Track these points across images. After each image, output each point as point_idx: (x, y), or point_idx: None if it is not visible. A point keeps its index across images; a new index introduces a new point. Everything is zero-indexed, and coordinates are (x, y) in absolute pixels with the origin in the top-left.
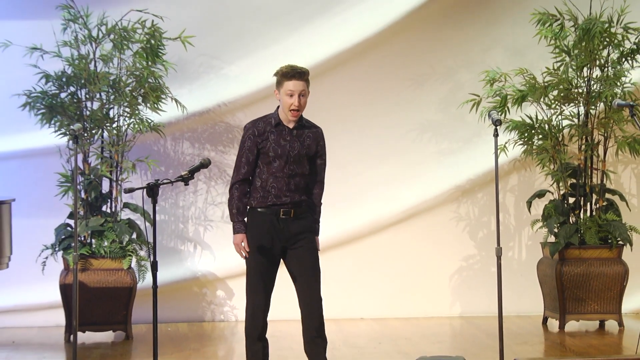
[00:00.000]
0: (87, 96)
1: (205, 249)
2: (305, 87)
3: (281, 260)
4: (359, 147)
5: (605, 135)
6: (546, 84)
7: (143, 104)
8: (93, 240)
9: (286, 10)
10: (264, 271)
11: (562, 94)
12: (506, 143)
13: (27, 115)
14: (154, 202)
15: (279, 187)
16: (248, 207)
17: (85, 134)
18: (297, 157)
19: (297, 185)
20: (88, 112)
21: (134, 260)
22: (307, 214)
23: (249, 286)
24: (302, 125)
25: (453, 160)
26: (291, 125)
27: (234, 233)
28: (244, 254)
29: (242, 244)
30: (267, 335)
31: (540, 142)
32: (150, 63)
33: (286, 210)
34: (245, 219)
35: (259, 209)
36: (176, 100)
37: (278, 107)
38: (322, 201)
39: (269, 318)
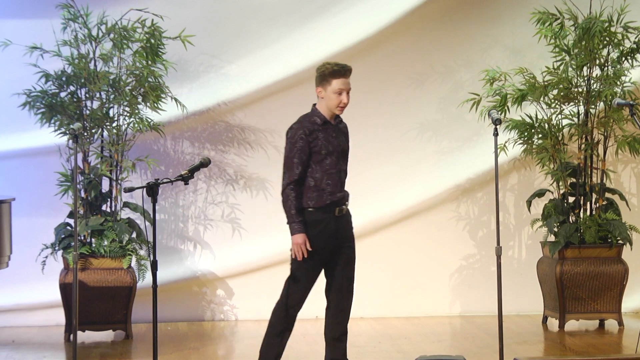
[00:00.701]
0: (87, 95)
1: (205, 248)
2: (350, 83)
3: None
4: (359, 147)
5: (605, 134)
6: (546, 83)
7: (143, 103)
8: (93, 240)
9: (286, 9)
10: (311, 273)
11: (562, 93)
12: (506, 142)
13: (27, 114)
14: (154, 202)
15: (334, 183)
16: (305, 208)
17: (85, 133)
18: (343, 152)
19: (343, 181)
20: (88, 112)
21: (133, 259)
22: (349, 214)
23: (291, 283)
24: (340, 121)
25: (453, 160)
26: (333, 122)
27: (295, 233)
28: (302, 255)
29: (305, 245)
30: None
31: (540, 141)
32: (150, 62)
33: (340, 207)
34: (303, 219)
35: (314, 210)
36: (176, 100)
37: (314, 105)
38: None
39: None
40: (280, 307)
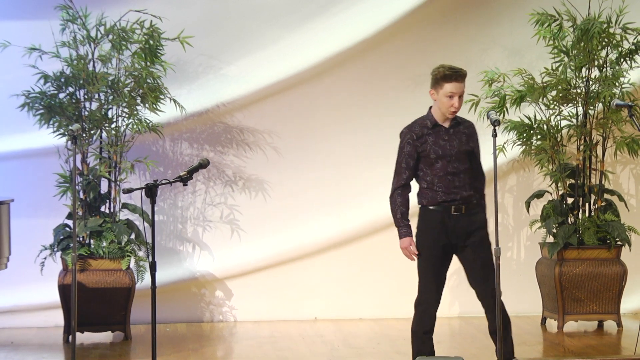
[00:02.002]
0: (86, 96)
1: (204, 249)
2: (463, 87)
3: (454, 256)
4: (358, 147)
5: (604, 135)
6: (545, 84)
7: (142, 104)
8: (92, 241)
9: (285, 10)
10: (436, 268)
11: (560, 95)
12: (505, 143)
13: (25, 115)
14: (153, 203)
15: (446, 185)
16: (419, 206)
17: (84, 135)
18: (457, 154)
19: (462, 182)
20: (87, 113)
21: (132, 260)
22: (477, 209)
23: (421, 283)
24: (457, 123)
25: None
26: (447, 125)
27: (400, 237)
28: (413, 257)
29: (411, 247)
30: (266, 335)
31: (538, 142)
32: (148, 63)
33: (457, 206)
34: (409, 223)
35: (430, 207)
36: (175, 101)
37: (430, 107)
38: (483, 194)
39: (268, 319)
40: (416, 311)
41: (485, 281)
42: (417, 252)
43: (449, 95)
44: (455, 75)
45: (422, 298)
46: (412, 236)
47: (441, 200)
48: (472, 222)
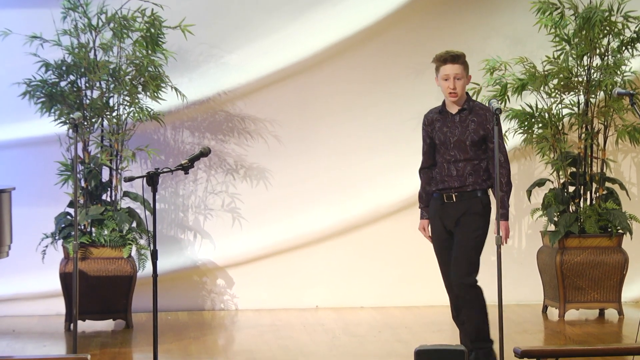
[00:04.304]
0: (87, 85)
1: (205, 237)
2: (461, 70)
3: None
4: (359, 136)
5: (605, 123)
6: (546, 72)
7: (143, 92)
8: (93, 229)
9: None
10: (442, 256)
11: (562, 83)
12: (506, 132)
13: (27, 103)
14: (154, 191)
15: (442, 173)
16: None
17: (85, 123)
18: (457, 142)
19: (460, 171)
20: (88, 101)
21: (134, 249)
22: (475, 199)
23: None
24: (466, 110)
25: None
26: (454, 111)
27: (420, 219)
28: (429, 239)
29: (423, 231)
30: (267, 324)
31: (540, 130)
32: (150, 52)
33: (448, 195)
34: (426, 206)
35: (434, 194)
36: (176, 89)
37: None
38: (506, 184)
39: (270, 307)
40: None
41: (455, 261)
42: (429, 236)
43: (445, 78)
44: (450, 57)
45: (444, 284)
46: (427, 219)
47: (438, 188)
48: (462, 209)
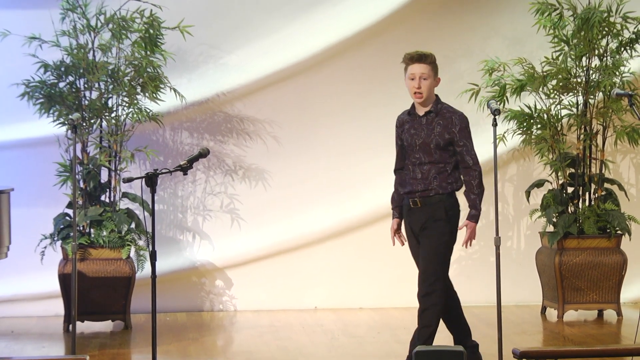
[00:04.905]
0: (86, 86)
1: (204, 238)
2: (428, 70)
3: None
4: (358, 137)
5: (604, 124)
6: (545, 73)
7: (142, 93)
8: (92, 230)
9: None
10: (413, 254)
11: (560, 84)
12: (505, 133)
13: (25, 104)
14: (153, 192)
15: (409, 175)
16: None
17: (84, 124)
18: (422, 145)
19: (424, 174)
20: (87, 102)
21: (132, 249)
22: (438, 204)
23: None
24: (432, 113)
25: None
26: (421, 113)
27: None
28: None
29: (391, 232)
30: (266, 325)
31: (539, 131)
32: (149, 52)
33: (414, 200)
34: (396, 207)
35: (404, 198)
36: (175, 90)
37: None
38: (477, 187)
39: (269, 308)
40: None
41: (421, 278)
42: (398, 238)
43: (411, 77)
44: (417, 56)
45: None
46: (397, 219)
47: (406, 191)
48: (427, 215)
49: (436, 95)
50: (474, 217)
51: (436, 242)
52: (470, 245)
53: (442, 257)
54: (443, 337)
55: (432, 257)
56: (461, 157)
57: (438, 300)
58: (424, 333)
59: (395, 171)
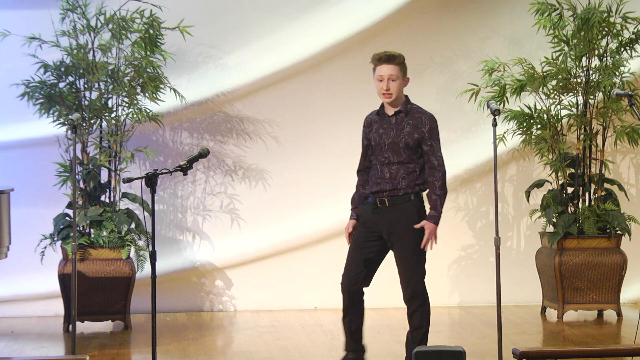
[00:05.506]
0: (86, 86)
1: (204, 238)
2: (396, 71)
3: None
4: (358, 137)
5: (604, 125)
6: (545, 73)
7: (142, 93)
8: (92, 230)
9: (285, 0)
10: (351, 252)
11: (560, 84)
12: (505, 133)
13: (25, 105)
14: (153, 192)
15: (376, 175)
16: None
17: (84, 124)
18: (391, 145)
19: (393, 174)
20: (86, 102)
21: (132, 250)
22: (407, 204)
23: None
24: (402, 112)
25: (451, 150)
26: (390, 113)
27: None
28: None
29: (348, 231)
30: (266, 325)
31: (539, 131)
32: (148, 53)
33: (381, 199)
34: (354, 207)
35: (368, 198)
36: (175, 90)
37: None
38: (440, 188)
39: (268, 308)
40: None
41: (401, 277)
42: (349, 238)
43: (380, 79)
44: (386, 57)
45: (342, 275)
46: (353, 220)
47: (372, 191)
48: (396, 216)
49: (405, 96)
50: (433, 218)
51: (414, 245)
52: (431, 248)
53: (421, 259)
54: (443, 337)
55: (411, 260)
56: (427, 157)
57: (423, 300)
58: (417, 335)
59: (359, 172)
